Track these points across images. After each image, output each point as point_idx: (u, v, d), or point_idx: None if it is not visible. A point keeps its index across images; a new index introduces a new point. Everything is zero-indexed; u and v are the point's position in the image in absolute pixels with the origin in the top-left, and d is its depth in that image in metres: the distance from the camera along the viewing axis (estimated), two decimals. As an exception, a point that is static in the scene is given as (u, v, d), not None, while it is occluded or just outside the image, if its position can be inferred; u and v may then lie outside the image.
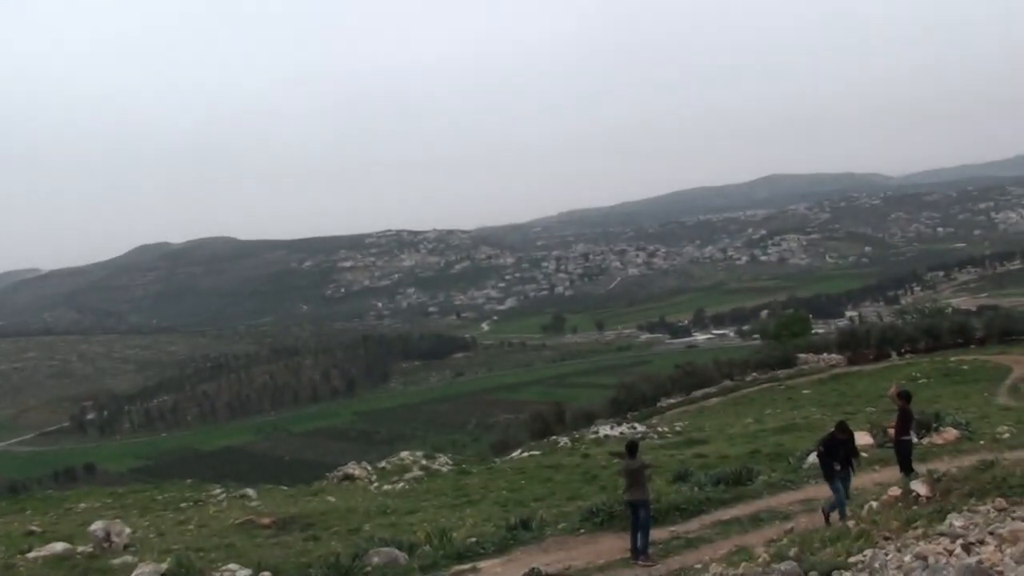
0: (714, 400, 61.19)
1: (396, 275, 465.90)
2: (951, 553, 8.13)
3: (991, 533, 8.33)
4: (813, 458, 22.61)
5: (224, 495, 32.17)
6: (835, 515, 15.49)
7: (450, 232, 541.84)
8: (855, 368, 64.00)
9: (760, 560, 11.21)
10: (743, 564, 11.45)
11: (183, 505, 30.22)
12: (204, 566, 17.71)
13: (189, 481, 40.26)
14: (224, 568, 17.30)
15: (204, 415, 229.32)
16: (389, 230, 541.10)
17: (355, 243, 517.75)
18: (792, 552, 10.73)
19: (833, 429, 16.87)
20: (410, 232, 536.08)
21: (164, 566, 17.28)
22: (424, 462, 38.45)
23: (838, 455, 16.37)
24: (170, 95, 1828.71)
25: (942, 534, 8.89)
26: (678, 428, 44.79)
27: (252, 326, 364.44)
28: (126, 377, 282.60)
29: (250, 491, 33.00)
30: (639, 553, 15.73)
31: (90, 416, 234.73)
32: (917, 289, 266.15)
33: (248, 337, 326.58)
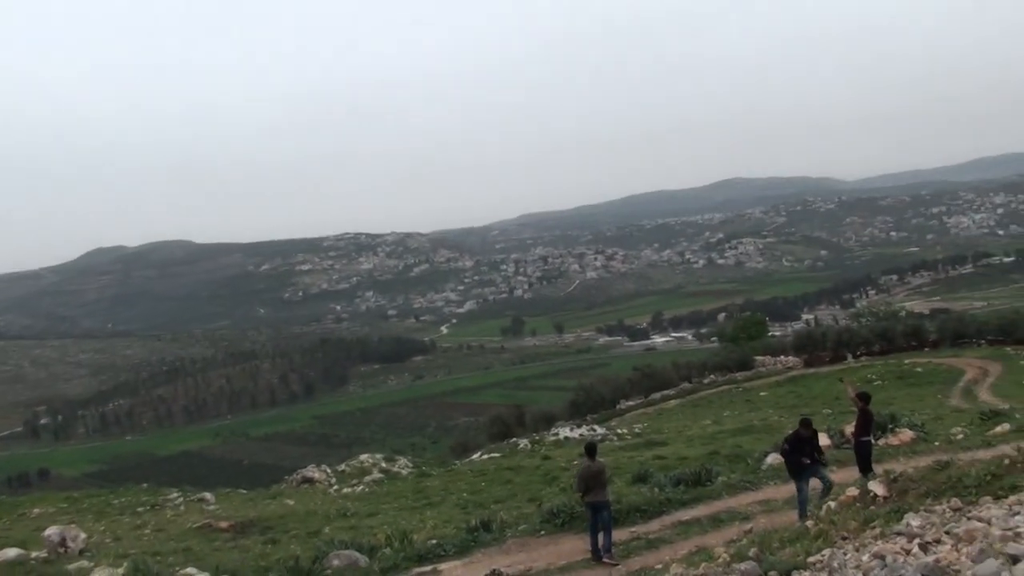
0: (672, 402, 61.45)
1: (354, 278, 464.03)
2: (908, 552, 8.22)
3: (947, 532, 8.43)
4: (772, 459, 22.81)
5: (181, 499, 31.83)
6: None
7: (408, 235, 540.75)
8: (811, 370, 64.59)
9: (720, 560, 11.28)
10: (703, 564, 11.51)
11: (139, 510, 29.87)
12: (161, 570, 17.51)
13: (145, 485, 39.70)
14: (182, 572, 17.11)
15: (160, 419, 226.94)
16: (347, 233, 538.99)
17: (313, 246, 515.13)
18: (752, 552, 10.80)
19: (798, 427, 16.95)
20: (368, 235, 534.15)
21: (120, 571, 17.06)
22: (384, 465, 38.32)
23: (804, 452, 16.44)
24: (125, 102, 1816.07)
25: (899, 533, 8.98)
26: (637, 430, 44.92)
27: (209, 330, 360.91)
28: (80, 382, 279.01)
29: (208, 495, 32.70)
30: (603, 552, 15.79)
31: (44, 421, 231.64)
32: (871, 292, 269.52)
33: (205, 341, 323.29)
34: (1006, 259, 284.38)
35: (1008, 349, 59.24)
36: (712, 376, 69.81)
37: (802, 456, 16.38)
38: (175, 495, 33.11)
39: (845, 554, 9.09)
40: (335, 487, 33.44)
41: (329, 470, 38.13)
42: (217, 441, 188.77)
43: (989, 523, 8.11)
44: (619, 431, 44.59)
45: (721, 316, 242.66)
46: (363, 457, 41.43)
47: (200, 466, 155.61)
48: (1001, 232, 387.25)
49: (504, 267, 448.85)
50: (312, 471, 37.44)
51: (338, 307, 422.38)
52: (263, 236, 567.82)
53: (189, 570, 17.26)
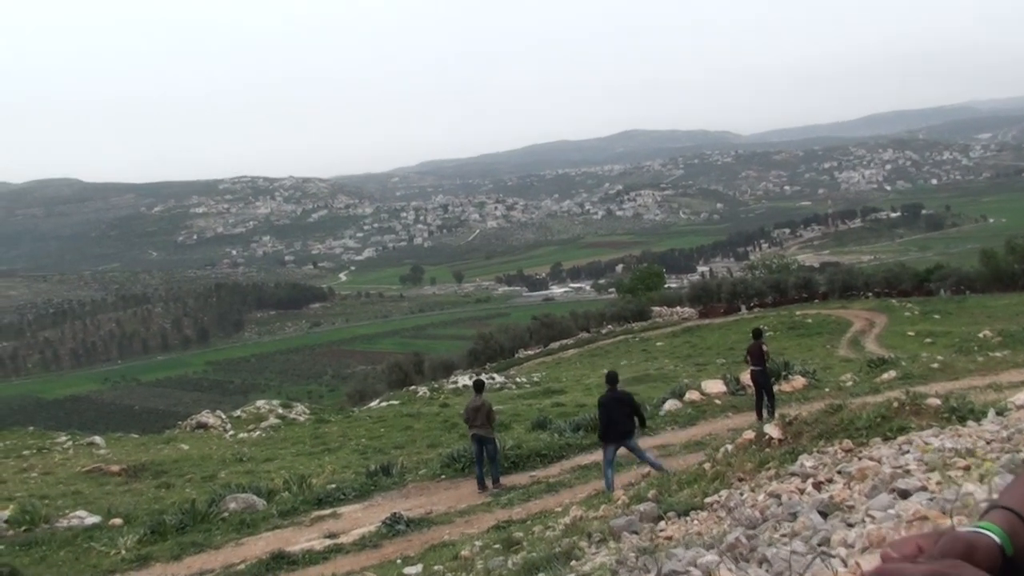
0: (571, 352, 62.02)
1: (251, 222, 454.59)
2: (803, 492, 8.44)
3: (840, 472, 8.66)
4: (669, 405, 23.30)
5: (70, 443, 31.06)
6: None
7: (307, 180, 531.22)
8: (706, 321, 65.73)
9: (619, 503, 11.45)
10: (603, 507, 11.68)
11: (25, 453, 29.01)
12: (50, 513, 17.10)
13: (32, 429, 38.61)
14: (72, 515, 16.74)
15: (47, 363, 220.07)
16: (244, 176, 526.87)
17: (208, 189, 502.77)
18: (650, 494, 10.99)
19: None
20: (266, 179, 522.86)
21: (7, 513, 16.63)
22: (281, 411, 37.98)
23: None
24: (12, 31, 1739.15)
25: (793, 474, 9.21)
26: (536, 378, 45.34)
27: (98, 272, 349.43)
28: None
29: (98, 439, 31.99)
30: (493, 482, 16.47)
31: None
32: (765, 245, 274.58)
33: (94, 283, 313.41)
34: (892, 214, 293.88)
35: (893, 301, 61.22)
36: (610, 326, 70.57)
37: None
38: (63, 438, 32.30)
39: (742, 494, 9.29)
40: (231, 432, 33.05)
41: (224, 416, 37.65)
42: (107, 386, 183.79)
43: (880, 462, 8.35)
44: (518, 380, 44.95)
45: (619, 267, 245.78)
46: (259, 403, 41.02)
47: (89, 411, 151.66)
48: (888, 188, 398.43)
49: (404, 215, 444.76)
50: (207, 416, 36.90)
51: (234, 252, 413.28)
52: (156, 177, 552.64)
53: (79, 513, 16.90)
